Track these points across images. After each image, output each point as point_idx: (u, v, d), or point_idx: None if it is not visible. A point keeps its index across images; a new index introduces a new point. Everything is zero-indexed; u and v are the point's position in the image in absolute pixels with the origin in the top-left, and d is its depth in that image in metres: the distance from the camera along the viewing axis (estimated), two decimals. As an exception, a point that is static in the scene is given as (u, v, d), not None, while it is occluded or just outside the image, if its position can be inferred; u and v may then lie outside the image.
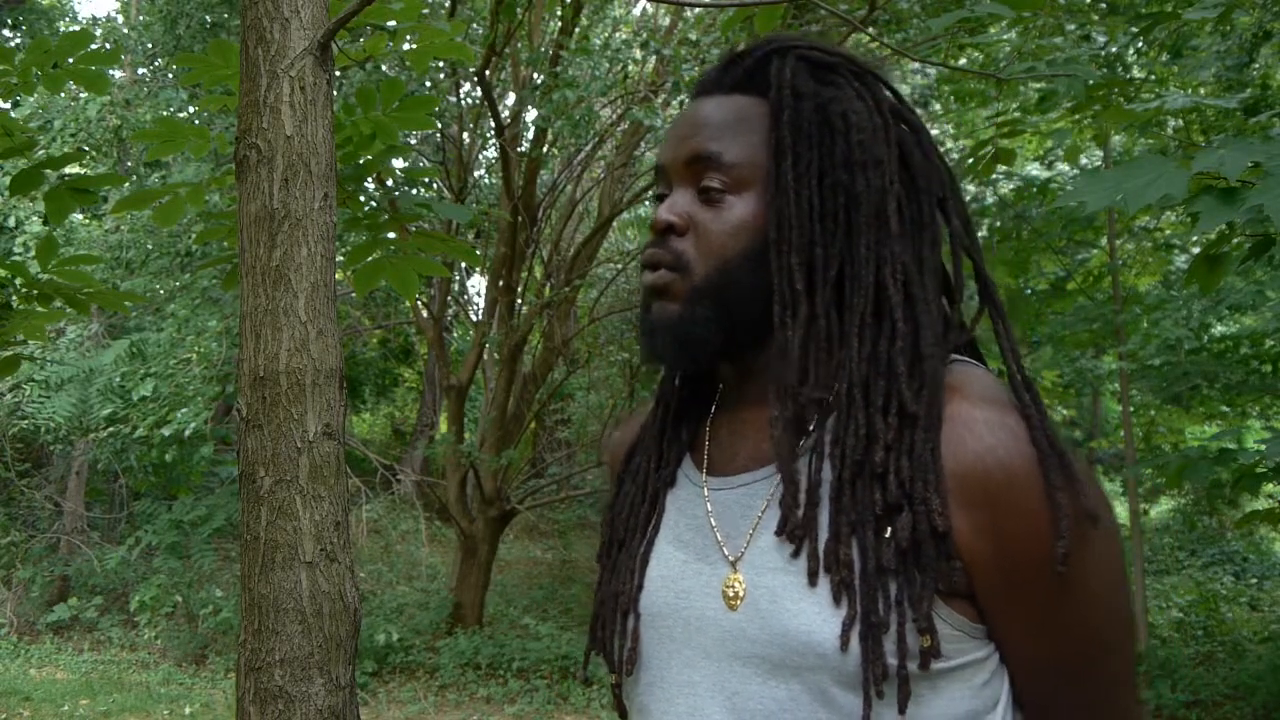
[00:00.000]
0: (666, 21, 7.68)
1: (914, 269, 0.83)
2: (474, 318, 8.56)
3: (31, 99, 7.25)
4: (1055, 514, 0.74)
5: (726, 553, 0.84)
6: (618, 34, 7.11)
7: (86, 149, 7.47)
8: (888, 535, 0.76)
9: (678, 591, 0.86)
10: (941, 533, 0.75)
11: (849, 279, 0.83)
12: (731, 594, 0.81)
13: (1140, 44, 5.15)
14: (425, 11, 2.11)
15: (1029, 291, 8.43)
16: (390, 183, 4.59)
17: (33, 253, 4.01)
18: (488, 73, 6.08)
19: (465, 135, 7.47)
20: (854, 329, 0.82)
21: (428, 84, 6.23)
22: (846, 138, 0.85)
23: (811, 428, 0.82)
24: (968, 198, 6.45)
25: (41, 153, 6.36)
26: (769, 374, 0.85)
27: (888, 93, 0.90)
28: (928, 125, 1.01)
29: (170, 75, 8.76)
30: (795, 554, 0.79)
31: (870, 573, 0.75)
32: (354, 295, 6.65)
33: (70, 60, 2.17)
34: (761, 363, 0.87)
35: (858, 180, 0.84)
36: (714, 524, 0.86)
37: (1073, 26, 4.33)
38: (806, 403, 0.82)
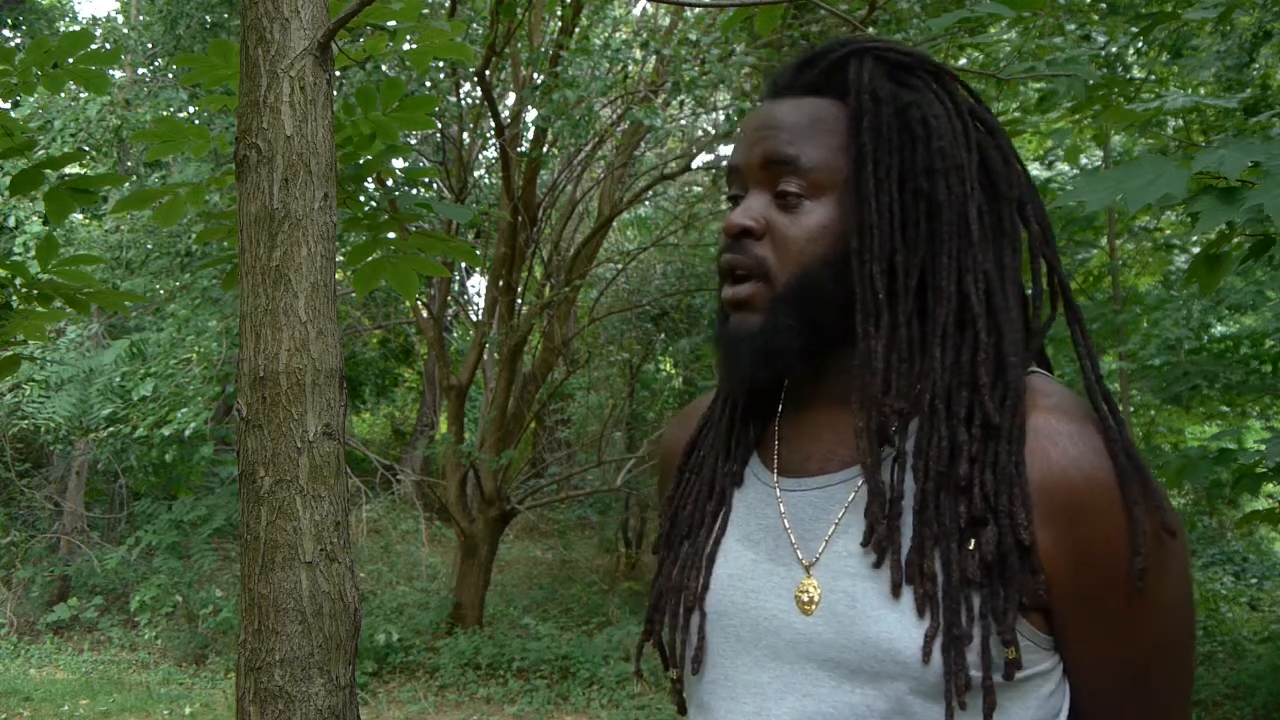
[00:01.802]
0: (666, 21, 7.68)
1: (996, 277, 0.82)
2: (474, 318, 8.56)
3: (31, 99, 7.25)
4: (1134, 529, 0.74)
5: (800, 556, 0.83)
6: (618, 34, 7.11)
7: (86, 149, 7.47)
8: (971, 548, 0.75)
9: (746, 591, 0.85)
10: (1027, 546, 0.74)
11: (930, 287, 0.82)
12: (806, 598, 0.81)
13: (1140, 44, 5.15)
14: (425, 11, 2.11)
15: (1029, 291, 8.42)
16: (390, 183, 4.59)
17: (33, 253, 4.01)
18: (488, 73, 6.08)
19: (465, 135, 7.47)
20: (936, 338, 0.81)
21: (428, 84, 6.22)
22: (927, 144, 0.83)
23: (894, 436, 0.82)
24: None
25: (41, 153, 6.36)
26: (848, 380, 0.84)
27: (965, 93, 0.89)
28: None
29: (170, 75, 8.75)
30: (878, 564, 0.78)
31: (954, 585, 0.75)
32: (354, 295, 6.66)
33: (70, 60, 2.17)
34: (834, 365, 0.86)
35: (939, 187, 0.83)
36: (787, 526, 0.85)
37: (1073, 26, 4.33)
38: (890, 412, 0.81)
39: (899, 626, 0.76)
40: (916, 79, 0.87)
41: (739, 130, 0.99)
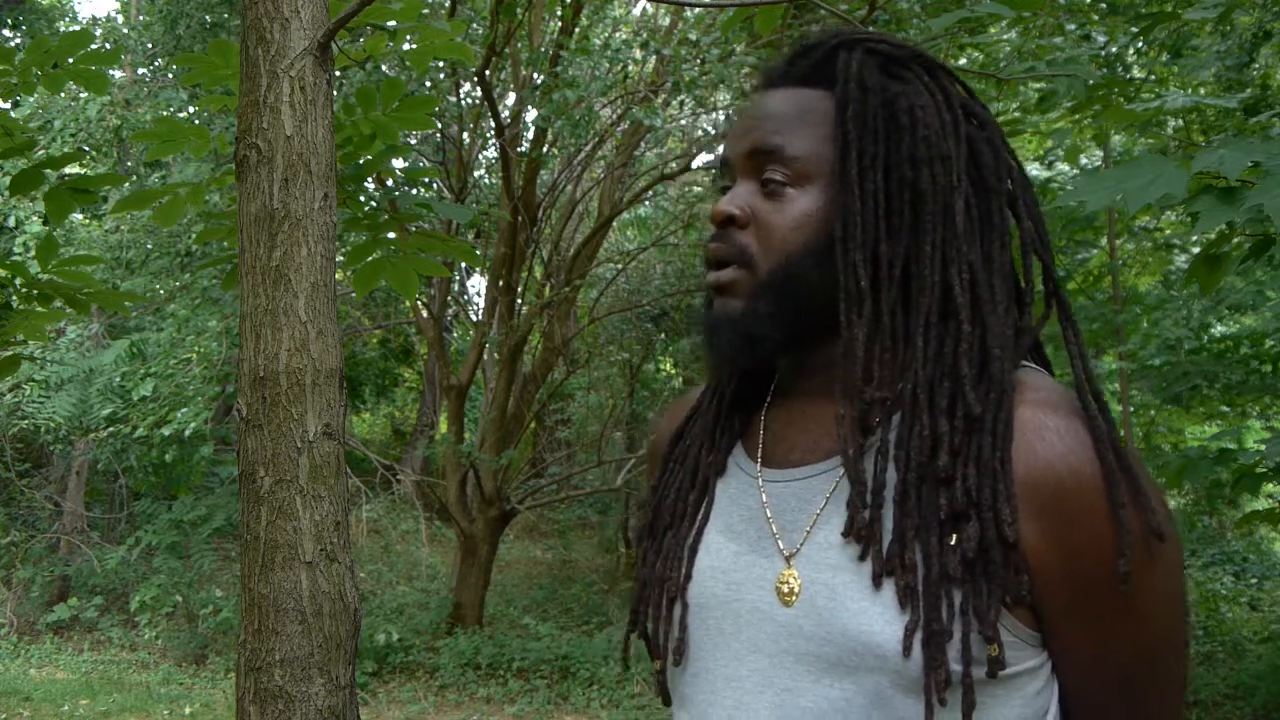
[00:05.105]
0: (666, 21, 7.68)
1: (981, 269, 0.81)
2: (474, 318, 8.56)
3: (31, 99, 7.25)
4: (1120, 530, 0.73)
5: (782, 547, 0.82)
6: (618, 34, 7.11)
7: (86, 149, 7.47)
8: (953, 542, 0.74)
9: (728, 583, 0.84)
10: (1010, 542, 0.73)
11: (914, 278, 0.82)
12: (786, 590, 0.80)
13: (1140, 44, 5.15)
14: (425, 11, 2.11)
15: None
16: (390, 183, 4.59)
17: (33, 253, 4.01)
18: (488, 73, 6.08)
19: (465, 135, 7.47)
20: (919, 329, 0.80)
21: (428, 84, 6.22)
22: (913, 133, 0.83)
23: (877, 427, 0.81)
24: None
25: (41, 153, 6.36)
26: (834, 372, 0.83)
27: (959, 88, 0.88)
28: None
29: (170, 75, 8.76)
30: (862, 556, 0.77)
31: (934, 579, 0.74)
32: (354, 295, 6.66)
33: (70, 60, 2.17)
34: (821, 357, 0.86)
35: (923, 177, 0.82)
36: (769, 516, 0.84)
37: (1073, 26, 4.33)
38: (871, 402, 0.81)
39: (880, 619, 0.75)
40: (908, 71, 0.87)
41: (732, 123, 1.00)
